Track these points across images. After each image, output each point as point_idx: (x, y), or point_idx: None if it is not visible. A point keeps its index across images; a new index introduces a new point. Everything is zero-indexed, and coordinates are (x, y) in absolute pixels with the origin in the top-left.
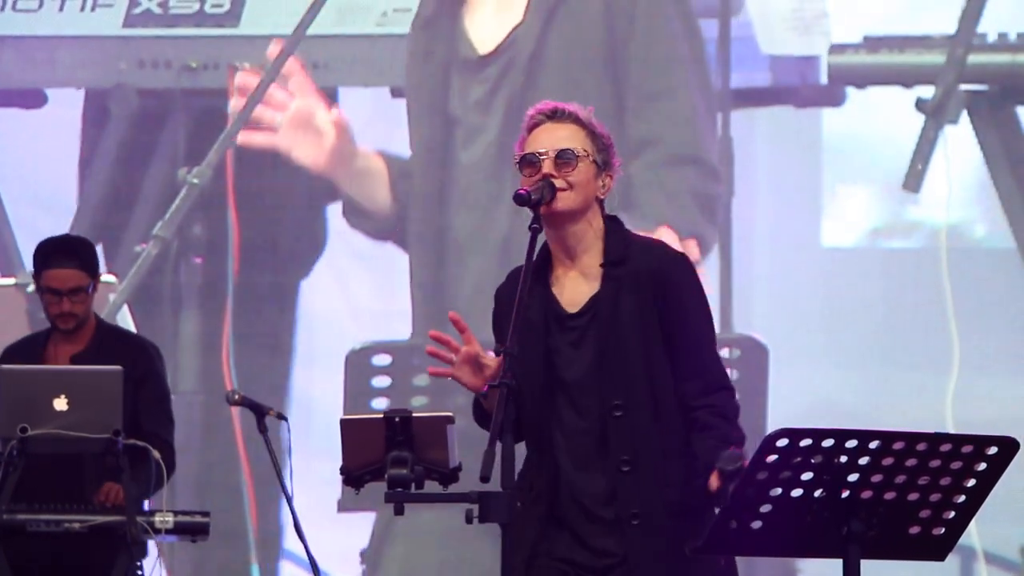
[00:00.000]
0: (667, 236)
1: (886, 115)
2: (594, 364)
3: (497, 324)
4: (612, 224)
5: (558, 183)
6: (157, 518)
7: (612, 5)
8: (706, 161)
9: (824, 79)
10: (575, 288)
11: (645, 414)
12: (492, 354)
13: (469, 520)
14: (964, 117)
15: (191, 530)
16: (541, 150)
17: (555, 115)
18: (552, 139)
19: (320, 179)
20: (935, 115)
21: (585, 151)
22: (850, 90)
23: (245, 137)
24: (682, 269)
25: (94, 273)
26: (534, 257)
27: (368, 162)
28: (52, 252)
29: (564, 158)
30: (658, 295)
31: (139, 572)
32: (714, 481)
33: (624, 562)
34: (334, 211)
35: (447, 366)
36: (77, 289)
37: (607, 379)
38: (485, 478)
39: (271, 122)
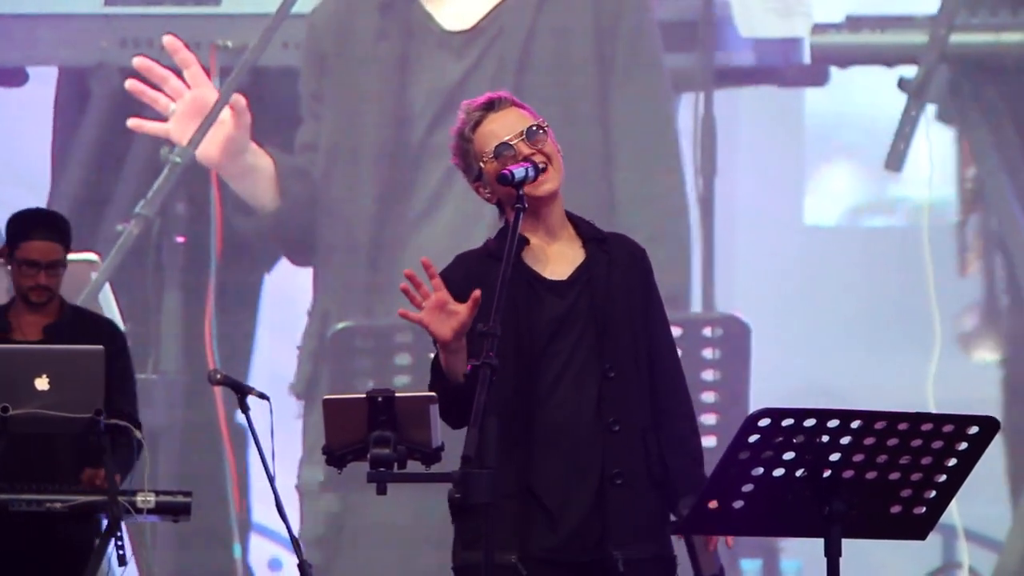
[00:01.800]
0: None
1: (868, 95)
2: (590, 327)
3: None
4: (569, 212)
5: (538, 159)
6: (139, 498)
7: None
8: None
9: (807, 59)
10: (560, 259)
11: (632, 381)
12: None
13: (451, 500)
14: (946, 96)
15: (173, 510)
16: (509, 137)
17: (494, 105)
18: (510, 124)
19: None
20: (917, 95)
21: (543, 124)
22: (833, 70)
23: (136, 123)
24: (649, 262)
25: (69, 247)
26: (509, 237)
27: (257, 158)
28: (34, 224)
29: (533, 135)
30: (640, 280)
31: (121, 552)
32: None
33: (598, 545)
34: None
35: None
36: (56, 263)
37: (602, 341)
38: (468, 457)
39: (164, 110)
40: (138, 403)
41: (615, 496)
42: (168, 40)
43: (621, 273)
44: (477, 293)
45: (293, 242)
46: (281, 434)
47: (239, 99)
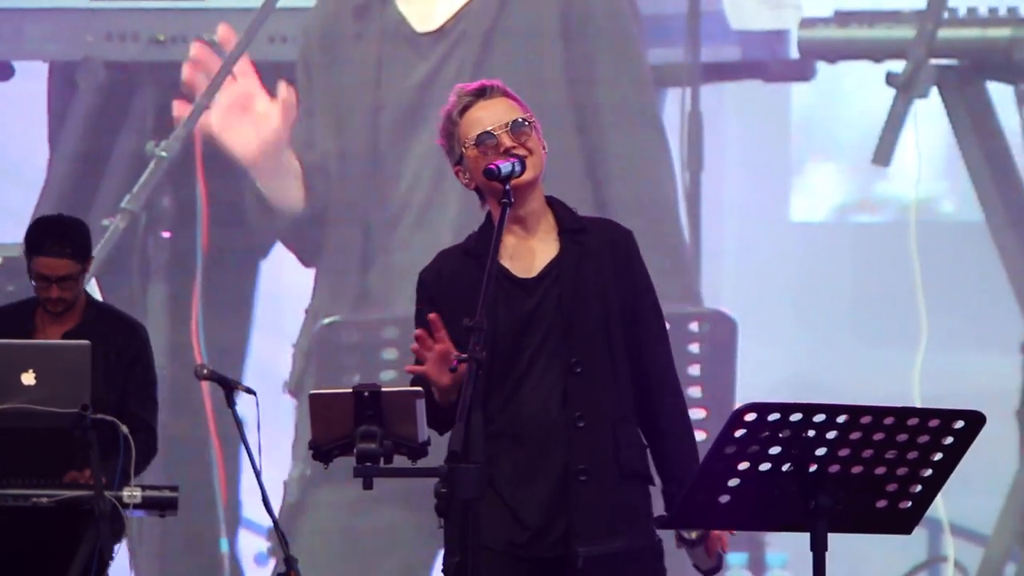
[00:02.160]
0: None
1: (856, 90)
2: (556, 324)
3: (431, 303)
4: (554, 199)
5: (520, 152)
6: (125, 493)
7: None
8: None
9: (794, 53)
10: (534, 255)
11: (602, 375)
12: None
13: (438, 495)
14: (934, 91)
15: (159, 504)
16: (494, 127)
17: (485, 92)
18: (497, 114)
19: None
20: (905, 90)
21: (529, 118)
22: (820, 64)
23: (180, 110)
24: (635, 245)
25: (85, 258)
26: (495, 232)
27: (290, 158)
28: (45, 237)
29: (518, 128)
30: (620, 267)
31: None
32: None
33: (563, 539)
34: None
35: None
36: (67, 277)
37: (568, 337)
38: (455, 452)
39: (206, 98)
40: (158, 410)
41: (579, 492)
42: (222, 31)
43: (595, 264)
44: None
45: (308, 243)
46: (268, 429)
47: (289, 95)
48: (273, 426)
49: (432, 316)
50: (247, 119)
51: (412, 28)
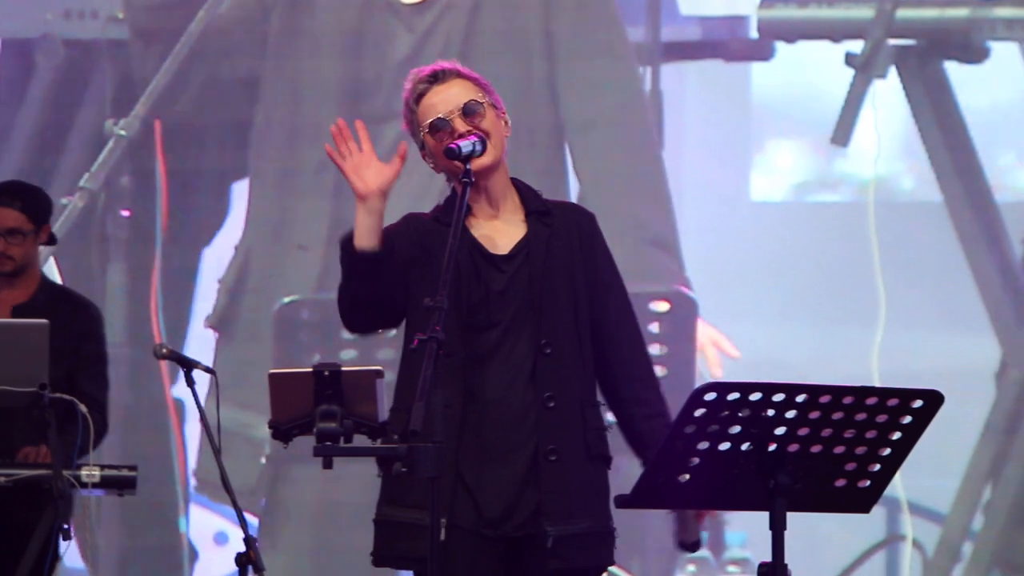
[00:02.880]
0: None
1: (815, 69)
2: (526, 303)
3: (402, 234)
4: (518, 181)
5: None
6: (83, 472)
7: None
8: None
9: (754, 33)
10: (502, 233)
11: (571, 356)
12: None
13: (398, 474)
14: (892, 71)
15: (118, 484)
16: (446, 112)
17: (438, 77)
18: (449, 98)
19: (234, 151)
20: (864, 69)
21: (482, 99)
22: (779, 44)
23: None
24: (598, 228)
25: (37, 220)
26: (457, 211)
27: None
28: None
29: (471, 111)
30: (585, 249)
31: (66, 526)
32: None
33: (528, 521)
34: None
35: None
36: (15, 231)
37: (539, 317)
38: (414, 432)
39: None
40: (108, 388)
41: (549, 472)
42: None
43: (562, 246)
44: (403, 146)
45: None
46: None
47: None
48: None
49: (358, 121)
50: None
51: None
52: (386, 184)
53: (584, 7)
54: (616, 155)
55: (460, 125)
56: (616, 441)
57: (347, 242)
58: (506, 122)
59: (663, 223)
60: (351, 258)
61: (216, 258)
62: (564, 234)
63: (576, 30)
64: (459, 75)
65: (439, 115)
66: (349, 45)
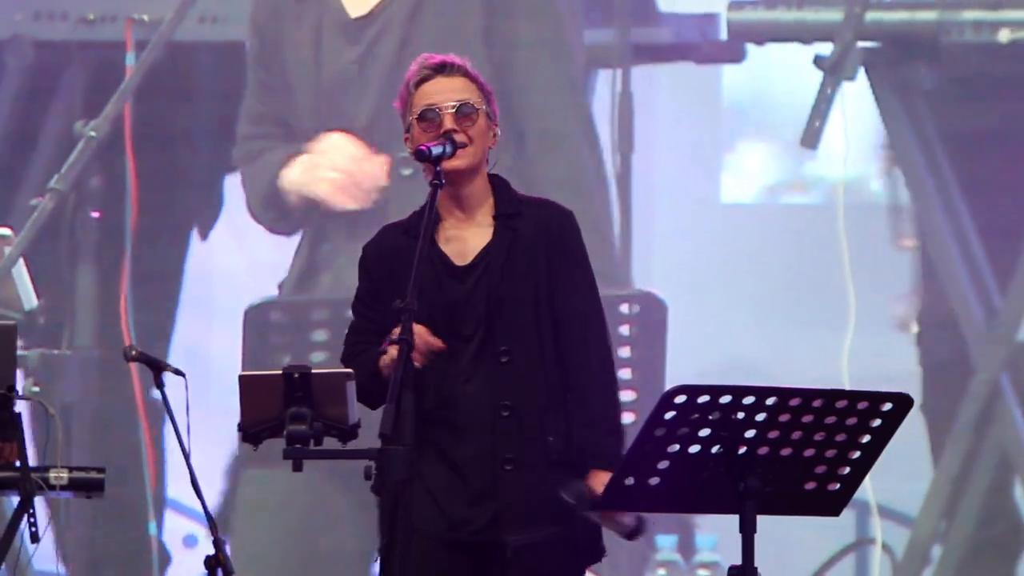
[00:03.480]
0: None
1: (785, 72)
2: (484, 313)
3: (369, 278)
4: (498, 180)
5: (459, 138)
6: (52, 474)
7: None
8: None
9: (724, 35)
10: (465, 240)
11: (530, 363)
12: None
13: (368, 476)
14: (861, 74)
15: (86, 486)
16: (440, 105)
17: (444, 68)
18: (448, 93)
19: (222, 150)
20: (833, 72)
21: (479, 104)
22: (750, 47)
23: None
24: (573, 226)
25: None
26: (426, 216)
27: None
28: None
29: (464, 111)
30: (551, 249)
31: (34, 529)
32: (594, 518)
33: (487, 528)
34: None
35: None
36: None
37: (496, 327)
38: (384, 434)
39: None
40: None
41: (506, 481)
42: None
43: (526, 249)
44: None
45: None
46: (197, 410)
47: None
48: (203, 409)
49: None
50: (362, 187)
51: (347, 14)
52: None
53: (527, 6)
54: (554, 150)
55: (449, 121)
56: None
57: (376, 373)
58: (495, 134)
59: (598, 209)
60: (375, 380)
61: (209, 253)
62: (531, 235)
63: (518, 28)
64: (466, 74)
65: (433, 105)
66: (310, 57)
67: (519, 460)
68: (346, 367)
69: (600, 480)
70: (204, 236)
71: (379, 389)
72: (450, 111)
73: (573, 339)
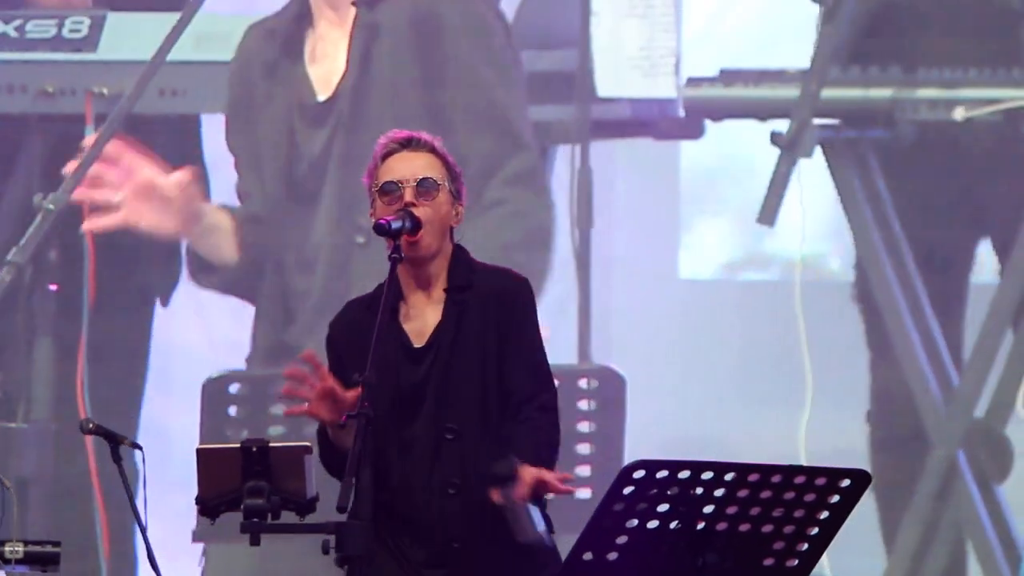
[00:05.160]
0: None
1: (743, 148)
2: (433, 392)
3: (337, 355)
4: (458, 252)
5: (418, 212)
6: (7, 548)
7: (423, 49)
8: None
9: (681, 112)
10: (424, 318)
11: (474, 438)
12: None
13: (326, 551)
14: (818, 151)
15: (42, 560)
16: (401, 179)
17: (411, 143)
18: (411, 168)
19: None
20: (789, 148)
21: (443, 180)
22: (708, 122)
23: (91, 223)
24: (526, 292)
25: None
26: (385, 292)
27: (215, 217)
28: None
29: (425, 187)
30: (501, 316)
31: None
32: (495, 495)
33: None
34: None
35: (303, 403)
36: None
37: (443, 404)
38: (342, 508)
39: (108, 202)
40: None
41: (453, 560)
42: (111, 147)
43: (474, 323)
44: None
45: (254, 291)
46: (155, 484)
47: (186, 173)
48: (160, 483)
49: (307, 353)
50: (154, 202)
51: (315, 97)
52: (350, 407)
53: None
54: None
55: (409, 195)
56: (554, 516)
57: (323, 434)
58: (458, 212)
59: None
60: (331, 451)
61: (168, 325)
62: (480, 306)
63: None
64: (432, 150)
65: (394, 179)
66: (283, 138)
67: (466, 539)
68: (320, 439)
69: (530, 472)
70: (165, 303)
71: (340, 459)
72: (411, 185)
73: (511, 393)
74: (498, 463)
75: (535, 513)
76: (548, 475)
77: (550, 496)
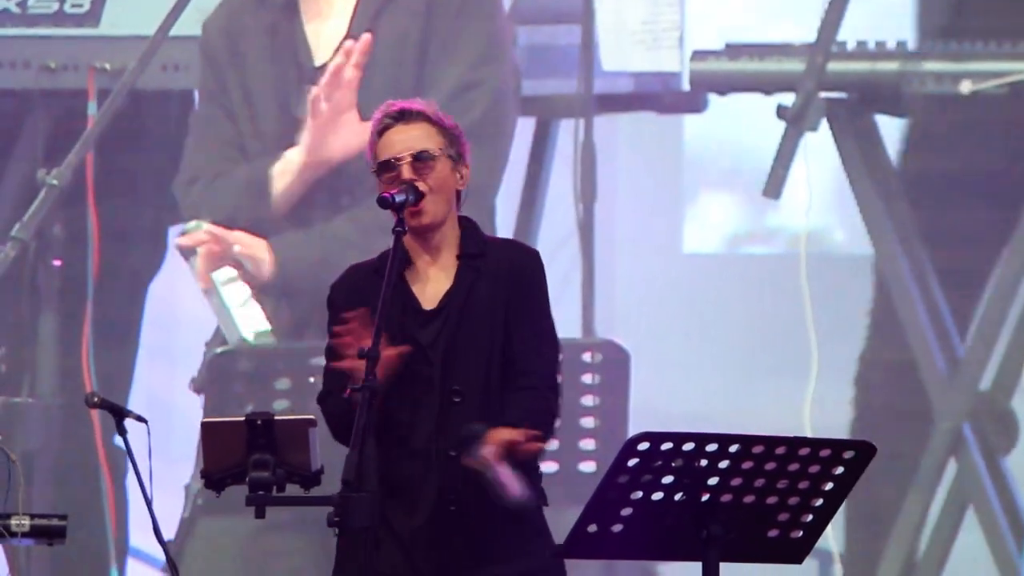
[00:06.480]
0: None
1: (748, 122)
2: (440, 355)
3: (337, 318)
4: (466, 222)
5: (421, 186)
6: (13, 521)
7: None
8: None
9: (686, 86)
10: (434, 283)
11: (479, 403)
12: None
13: (331, 523)
14: (824, 124)
15: (47, 533)
16: (398, 155)
17: (403, 116)
18: (406, 141)
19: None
20: (795, 122)
21: (440, 149)
22: (712, 96)
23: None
24: (537, 265)
25: None
26: (390, 263)
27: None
28: None
29: (422, 159)
30: (512, 286)
31: None
32: (464, 458)
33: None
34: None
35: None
36: None
37: (450, 367)
38: (347, 481)
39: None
40: None
41: (451, 523)
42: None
43: (487, 290)
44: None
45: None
46: (159, 457)
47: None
48: (165, 456)
49: (356, 313)
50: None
51: (313, 62)
52: (392, 372)
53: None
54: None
55: (407, 172)
56: (559, 489)
57: (326, 403)
58: (462, 175)
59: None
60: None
61: (160, 302)
62: (492, 274)
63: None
64: (426, 119)
65: (390, 156)
66: (279, 102)
67: (464, 502)
68: (323, 406)
69: (498, 433)
70: (145, 288)
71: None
72: (407, 162)
73: (516, 366)
74: (468, 426)
75: (514, 477)
76: (514, 434)
77: (549, 470)
